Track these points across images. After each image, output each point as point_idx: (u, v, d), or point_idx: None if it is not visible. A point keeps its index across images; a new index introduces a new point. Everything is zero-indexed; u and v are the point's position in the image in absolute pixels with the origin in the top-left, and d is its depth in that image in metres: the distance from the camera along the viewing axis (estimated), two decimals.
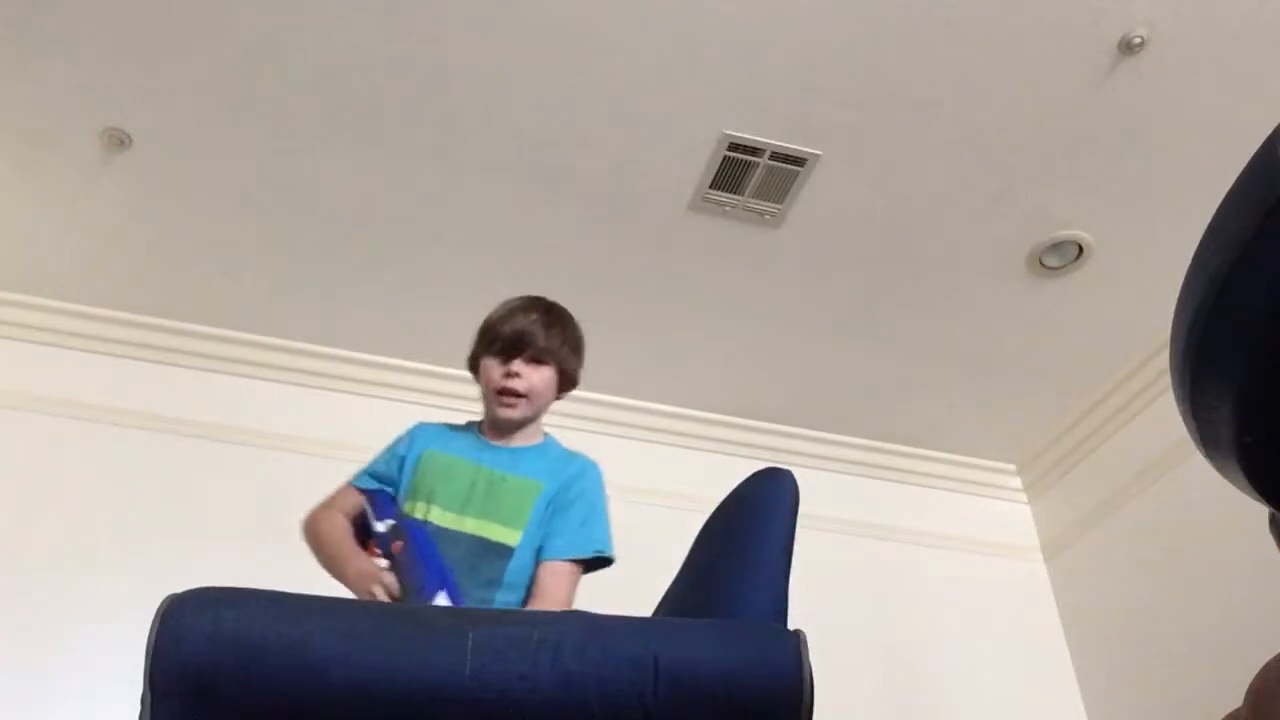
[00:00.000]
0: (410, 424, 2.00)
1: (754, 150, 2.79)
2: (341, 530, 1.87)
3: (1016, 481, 3.96)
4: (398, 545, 1.73)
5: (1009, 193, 2.91)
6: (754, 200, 2.93)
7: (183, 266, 3.19)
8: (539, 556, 1.80)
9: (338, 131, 2.80)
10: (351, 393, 3.45)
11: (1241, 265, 0.73)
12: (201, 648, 0.90)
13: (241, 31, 2.55)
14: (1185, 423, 0.85)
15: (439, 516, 1.79)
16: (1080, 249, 3.05)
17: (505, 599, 1.77)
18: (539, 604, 1.73)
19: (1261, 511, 0.94)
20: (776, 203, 2.93)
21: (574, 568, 1.81)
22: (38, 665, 2.70)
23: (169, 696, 0.89)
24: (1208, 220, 0.80)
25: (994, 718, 3.32)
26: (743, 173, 2.85)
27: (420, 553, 1.69)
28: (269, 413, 3.31)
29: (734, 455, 3.61)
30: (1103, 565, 3.54)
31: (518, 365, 1.91)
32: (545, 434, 2.02)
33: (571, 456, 1.99)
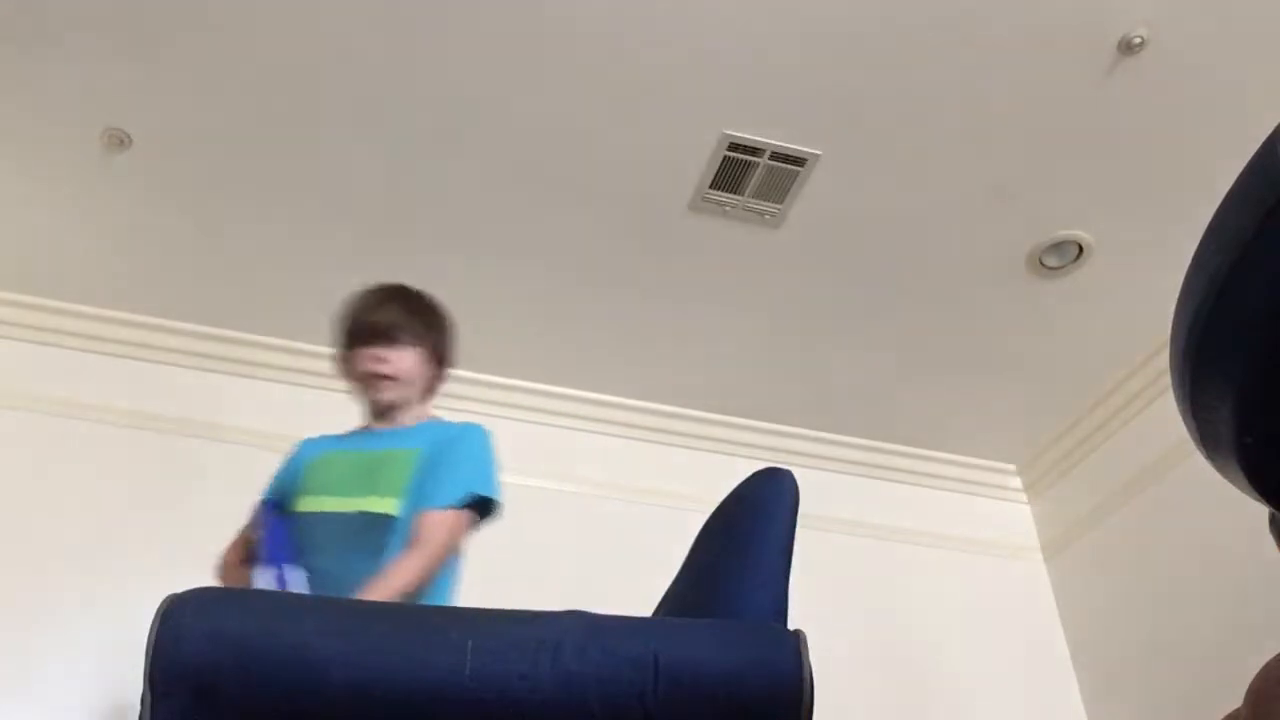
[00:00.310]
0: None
1: (754, 150, 2.79)
2: (228, 564, 2.00)
3: (1016, 481, 3.96)
4: (259, 535, 1.81)
5: (1009, 193, 2.90)
6: (754, 200, 2.93)
7: (183, 266, 3.19)
8: (416, 508, 1.82)
9: (338, 132, 2.80)
10: (352, 392, 3.44)
11: (1241, 265, 0.73)
12: (201, 648, 0.90)
13: (242, 32, 2.55)
14: (1185, 423, 0.85)
15: (325, 504, 1.84)
16: (1080, 249, 3.05)
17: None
18: (412, 550, 1.75)
19: (1261, 511, 0.94)
20: (776, 203, 2.93)
21: (447, 514, 1.81)
22: (38, 665, 2.70)
23: (169, 696, 0.89)
24: (1208, 220, 0.80)
25: (994, 717, 3.32)
26: (743, 173, 2.85)
27: (267, 536, 1.78)
28: (269, 413, 3.31)
29: (734, 455, 3.61)
30: (1103, 565, 3.54)
31: (378, 350, 1.95)
32: (433, 415, 2.04)
33: (457, 425, 2.00)
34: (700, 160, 2.83)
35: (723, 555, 1.30)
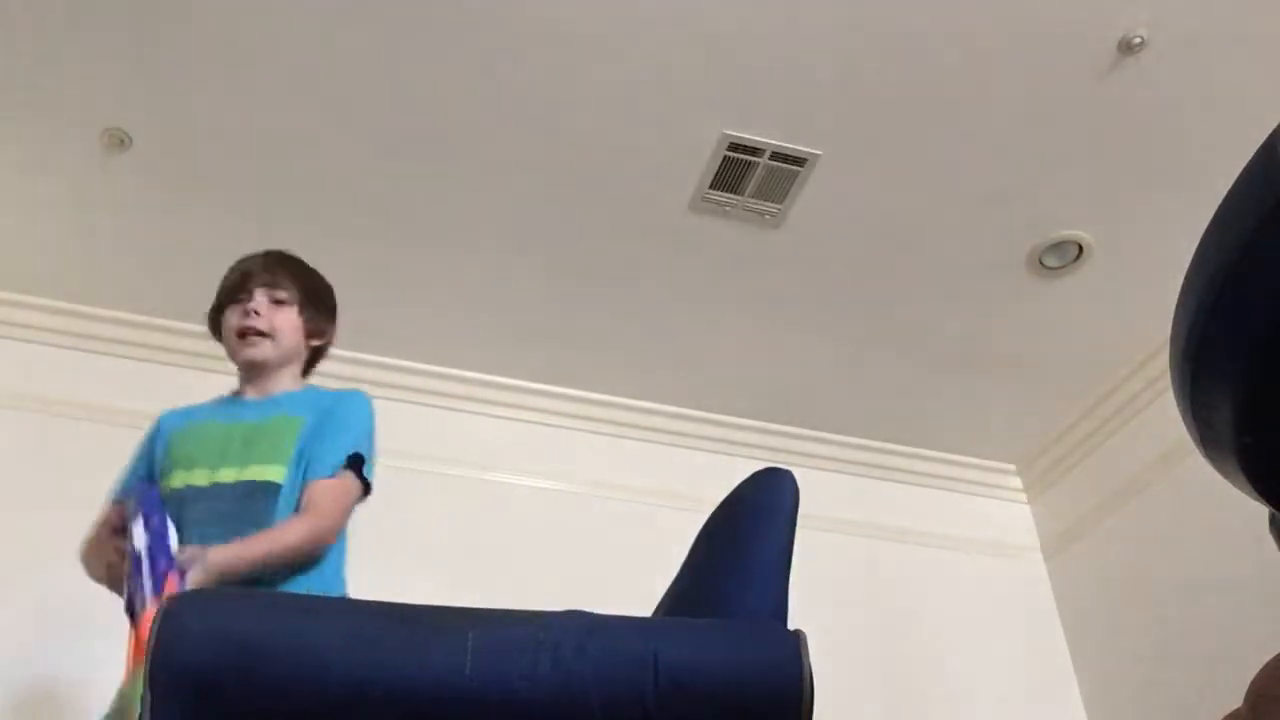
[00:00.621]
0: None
1: (754, 150, 2.79)
2: (91, 542, 1.84)
3: (1016, 481, 3.96)
4: (129, 507, 1.67)
5: (1009, 193, 2.91)
6: (754, 200, 2.93)
7: (183, 266, 3.18)
8: (306, 476, 1.75)
9: (338, 132, 2.80)
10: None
11: (1241, 265, 0.73)
12: (202, 649, 0.90)
13: (242, 32, 2.55)
14: (1185, 423, 0.85)
15: (198, 478, 1.74)
16: (1080, 249, 3.05)
17: None
18: (305, 517, 1.68)
19: (1261, 511, 0.94)
20: (776, 203, 2.93)
21: (336, 482, 1.75)
22: (38, 665, 2.70)
23: (169, 697, 0.89)
24: (1208, 220, 0.80)
25: (994, 717, 3.32)
26: (743, 173, 2.85)
27: (137, 498, 1.64)
28: None
29: (734, 455, 3.61)
30: (1103, 565, 3.54)
31: (255, 302, 1.88)
32: (308, 384, 1.96)
33: (335, 391, 1.92)
34: (700, 160, 2.83)
35: (722, 555, 1.30)
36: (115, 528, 1.68)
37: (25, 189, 2.95)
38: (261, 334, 1.86)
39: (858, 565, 3.55)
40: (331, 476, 1.75)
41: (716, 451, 3.64)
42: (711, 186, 2.89)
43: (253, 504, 1.70)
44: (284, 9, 2.50)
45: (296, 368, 1.96)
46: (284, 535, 1.67)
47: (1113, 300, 3.20)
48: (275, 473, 1.73)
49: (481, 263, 3.16)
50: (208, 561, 1.52)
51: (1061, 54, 2.55)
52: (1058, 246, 3.05)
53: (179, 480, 1.76)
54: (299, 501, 1.73)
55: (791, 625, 1.11)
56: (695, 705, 0.94)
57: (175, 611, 0.93)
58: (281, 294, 1.91)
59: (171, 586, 1.35)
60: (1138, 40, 2.49)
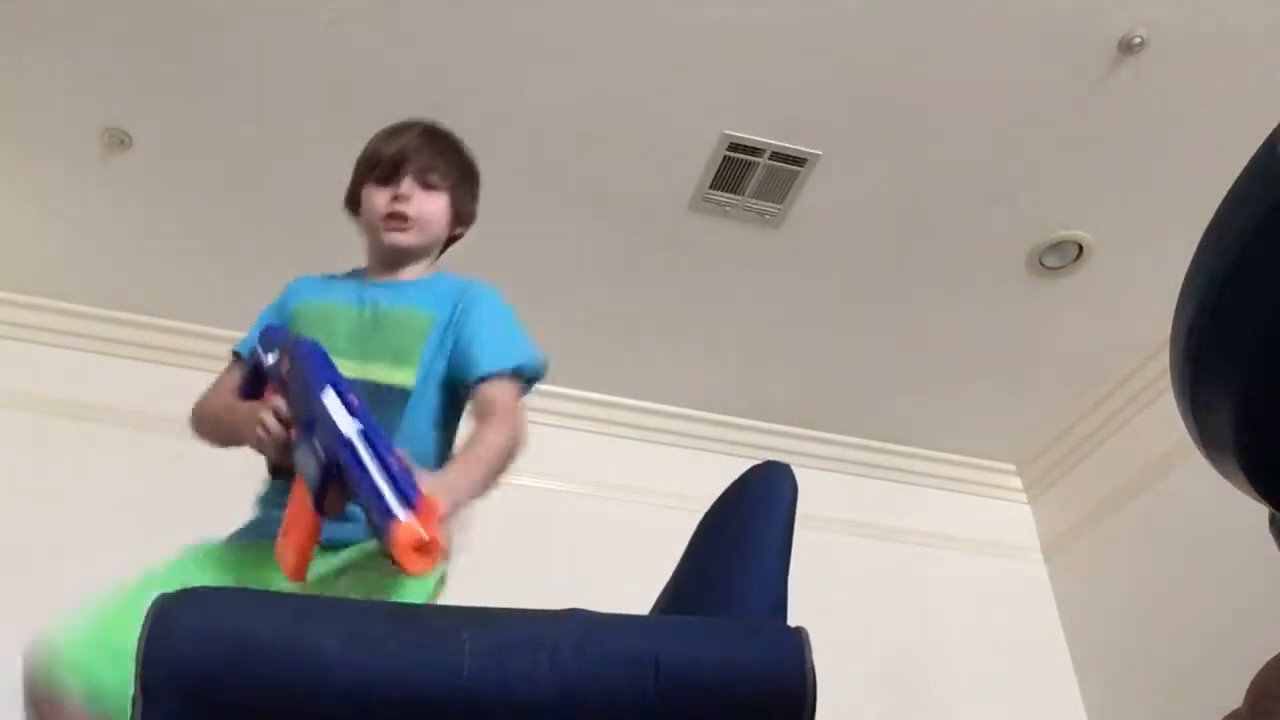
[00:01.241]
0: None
1: (754, 150, 2.79)
2: (222, 395, 1.65)
3: (1016, 481, 3.96)
4: (285, 366, 1.43)
5: (1009, 193, 2.91)
6: (754, 200, 2.93)
7: (183, 266, 3.19)
8: (466, 380, 1.58)
9: (338, 132, 2.79)
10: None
11: (1241, 265, 0.73)
12: (195, 646, 0.89)
13: (242, 32, 2.55)
14: (1185, 423, 0.85)
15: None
16: (1080, 249, 3.05)
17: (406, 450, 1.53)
18: (494, 422, 1.49)
19: (1261, 511, 0.94)
20: (776, 203, 2.93)
21: (515, 384, 1.60)
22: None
23: (161, 698, 0.87)
24: (1208, 220, 0.80)
25: (994, 717, 3.32)
26: (743, 173, 2.85)
27: (303, 359, 1.38)
28: None
29: (734, 455, 3.60)
30: (1103, 565, 3.54)
31: (406, 187, 1.72)
32: (437, 270, 1.80)
33: (464, 280, 1.78)
34: (700, 160, 2.83)
35: (721, 550, 1.29)
36: (268, 384, 1.45)
37: (25, 189, 2.95)
38: (408, 219, 1.72)
39: (858, 565, 3.55)
40: (506, 374, 1.59)
41: (716, 451, 3.63)
42: (711, 186, 2.89)
43: (380, 408, 1.48)
44: (285, 9, 2.50)
45: (433, 254, 1.83)
46: (495, 445, 1.46)
47: (1113, 300, 3.19)
48: (405, 377, 1.59)
49: (480, 262, 3.14)
50: (453, 497, 1.30)
51: (1061, 54, 2.55)
52: (1058, 246, 3.05)
53: None
54: (434, 417, 1.58)
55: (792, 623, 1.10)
56: (697, 704, 0.94)
57: (166, 610, 0.91)
58: (434, 178, 1.76)
59: (429, 511, 1.06)
60: (1138, 40, 2.49)
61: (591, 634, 0.96)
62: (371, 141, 1.82)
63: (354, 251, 3.28)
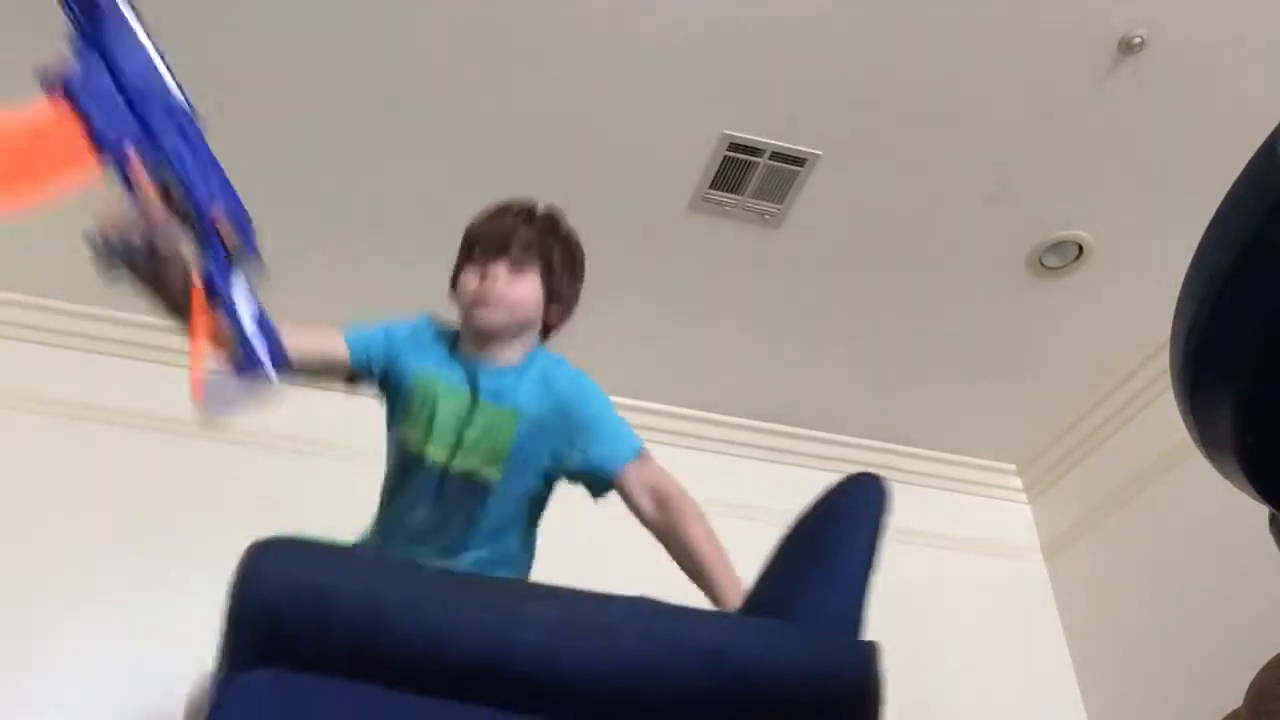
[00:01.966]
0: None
1: (754, 150, 2.79)
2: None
3: (1016, 481, 3.96)
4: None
5: (1009, 193, 2.91)
6: (754, 200, 2.93)
7: None
8: (604, 474, 1.71)
9: (337, 131, 2.80)
10: (353, 393, 3.44)
11: (1242, 265, 0.73)
12: (279, 592, 0.95)
13: (242, 30, 2.55)
14: (1185, 423, 0.85)
15: (437, 452, 1.66)
16: (1080, 249, 3.05)
17: (482, 549, 1.68)
18: (687, 509, 1.64)
19: (1261, 511, 0.94)
20: (776, 203, 2.93)
21: (647, 459, 1.74)
22: (38, 665, 2.70)
23: (245, 635, 0.94)
24: (1208, 220, 0.80)
25: (994, 717, 3.32)
26: (743, 173, 2.85)
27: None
28: (269, 413, 3.30)
29: (734, 455, 3.61)
30: (1103, 565, 3.54)
31: (495, 268, 1.72)
32: (530, 353, 1.81)
33: (555, 367, 1.81)
34: (700, 160, 2.83)
35: (801, 560, 1.28)
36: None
37: None
38: (494, 300, 1.71)
39: None
40: (638, 459, 1.72)
41: (716, 451, 3.63)
42: (711, 186, 2.89)
43: (468, 497, 1.64)
44: (286, 8, 2.50)
45: (529, 337, 1.81)
46: (710, 531, 1.65)
47: (1113, 300, 3.20)
48: (493, 471, 1.66)
49: None
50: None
51: (1061, 54, 2.55)
52: (1058, 246, 3.05)
53: (419, 444, 1.67)
54: (513, 514, 1.70)
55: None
56: (756, 703, 0.93)
57: (256, 557, 0.98)
58: (525, 260, 1.75)
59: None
60: (1138, 40, 2.49)
61: (657, 622, 0.97)
62: (472, 221, 1.86)
63: (351, 252, 3.29)
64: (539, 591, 1.02)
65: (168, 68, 1.03)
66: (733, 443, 3.67)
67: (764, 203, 2.93)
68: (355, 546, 1.74)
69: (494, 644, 0.92)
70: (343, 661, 0.92)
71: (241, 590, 0.96)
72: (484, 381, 1.71)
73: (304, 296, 3.29)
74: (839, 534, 1.21)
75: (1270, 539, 0.98)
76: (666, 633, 0.96)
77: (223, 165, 1.08)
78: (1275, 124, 0.74)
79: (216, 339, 1.14)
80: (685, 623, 0.99)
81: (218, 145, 1.24)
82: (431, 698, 0.90)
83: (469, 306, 1.73)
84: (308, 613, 0.94)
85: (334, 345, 1.73)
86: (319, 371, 1.73)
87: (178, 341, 3.68)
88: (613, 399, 3.81)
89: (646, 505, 1.69)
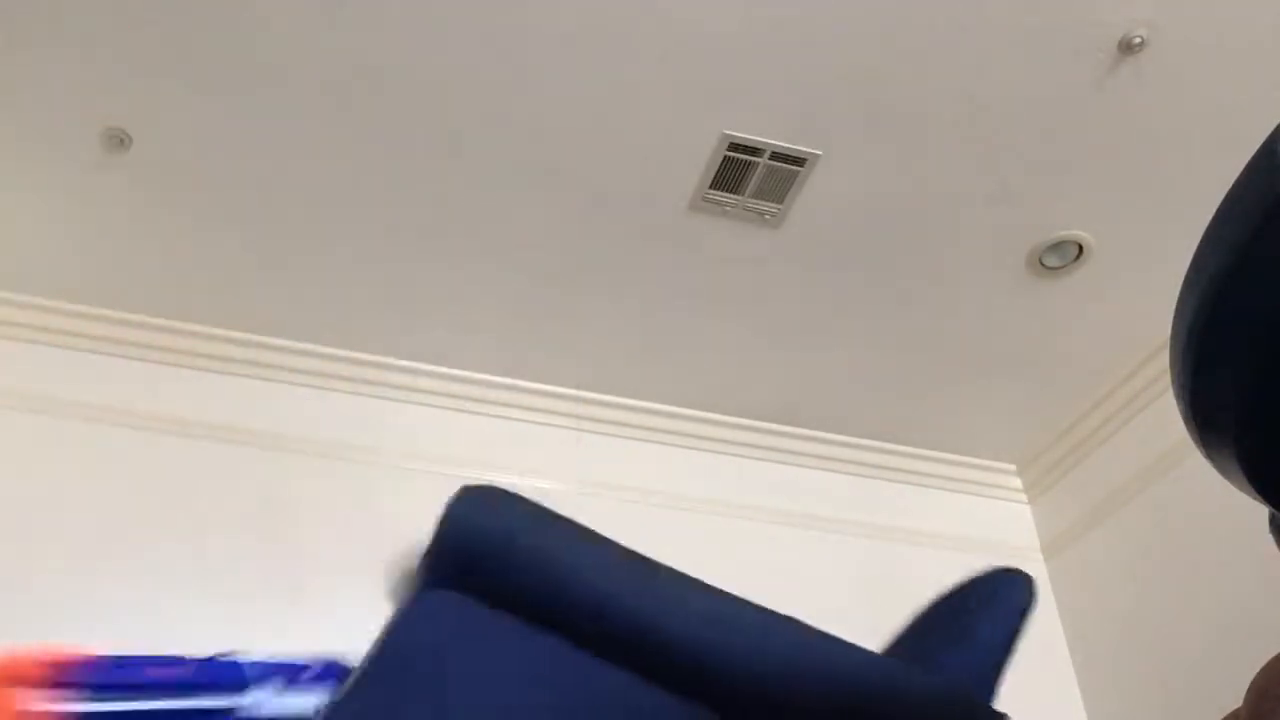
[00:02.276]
0: None
1: (754, 150, 2.79)
2: None
3: (1016, 481, 3.96)
4: None
5: (1009, 193, 2.91)
6: (754, 200, 2.93)
7: (183, 266, 3.19)
8: None
9: (338, 132, 2.80)
10: (352, 392, 3.45)
11: (1241, 265, 0.73)
12: (472, 529, 1.07)
13: (242, 32, 2.55)
14: (1185, 423, 0.85)
15: None
16: (1080, 249, 3.05)
17: None
18: None
19: (1261, 512, 0.94)
20: (776, 203, 2.94)
21: None
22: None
23: (439, 562, 1.06)
24: (1208, 220, 0.80)
25: None
26: (743, 173, 2.85)
27: None
28: (269, 413, 3.31)
29: (734, 455, 3.61)
30: (1103, 565, 3.54)
31: None
32: None
33: None
34: (700, 160, 2.83)
35: (941, 639, 1.29)
36: None
37: (25, 189, 2.95)
38: None
39: (858, 565, 3.55)
40: None
41: (716, 451, 3.64)
42: (711, 186, 2.89)
43: None
44: (285, 9, 2.50)
45: None
46: None
47: (1113, 300, 3.20)
48: None
49: (481, 263, 3.16)
50: None
51: (1061, 54, 2.55)
52: (1058, 246, 3.05)
53: None
54: None
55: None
56: None
57: (460, 500, 1.09)
58: None
59: None
60: (1138, 40, 2.49)
61: (807, 637, 1.01)
62: None
63: (352, 252, 3.29)
64: (703, 588, 1.09)
65: None
66: (733, 443, 3.67)
67: (764, 203, 2.93)
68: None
69: (657, 623, 1.00)
70: (516, 602, 1.03)
71: (442, 522, 1.08)
72: None
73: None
74: (984, 612, 1.23)
75: (1270, 539, 0.98)
76: (815, 648, 1.00)
77: None
78: (1275, 124, 0.74)
79: None
80: (833, 644, 1.05)
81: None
82: (584, 653, 0.99)
83: None
84: (493, 552, 1.06)
85: None
86: None
87: (177, 342, 3.70)
88: (613, 399, 3.80)
89: None
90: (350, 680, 1.01)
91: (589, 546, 1.10)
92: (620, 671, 0.98)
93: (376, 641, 1.04)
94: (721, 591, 1.08)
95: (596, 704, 0.98)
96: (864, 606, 3.49)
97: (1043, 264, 3.10)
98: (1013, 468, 3.96)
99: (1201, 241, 0.79)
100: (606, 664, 0.98)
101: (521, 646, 1.00)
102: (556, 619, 1.01)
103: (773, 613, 1.06)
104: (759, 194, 2.91)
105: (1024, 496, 3.95)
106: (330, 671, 1.63)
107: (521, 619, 1.01)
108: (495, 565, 1.05)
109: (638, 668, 0.97)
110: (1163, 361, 3.15)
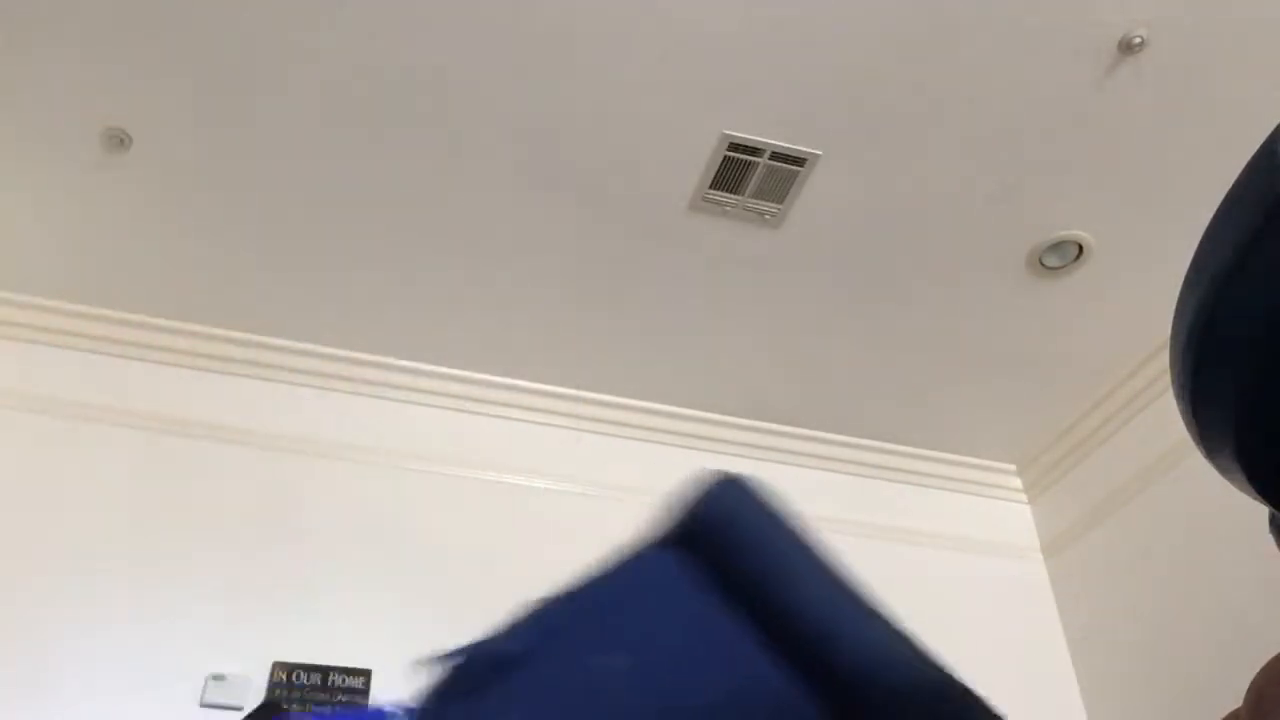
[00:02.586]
0: None
1: (754, 150, 2.79)
2: None
3: (1016, 481, 3.96)
4: None
5: (1009, 193, 2.91)
6: (754, 200, 2.93)
7: (182, 266, 3.19)
8: None
9: (338, 132, 2.80)
10: (351, 392, 3.45)
11: (1241, 265, 0.73)
12: (719, 507, 1.12)
13: (242, 32, 2.55)
14: (1185, 423, 0.85)
15: None
16: (1080, 249, 3.05)
17: None
18: None
19: (1261, 511, 0.94)
20: (776, 203, 2.94)
21: None
22: (38, 664, 2.70)
23: (673, 528, 1.10)
24: (1208, 220, 0.80)
25: None
26: (743, 173, 2.85)
27: None
28: (269, 413, 3.31)
29: (734, 455, 3.61)
30: (1103, 565, 3.54)
31: None
32: None
33: None
34: (700, 160, 2.83)
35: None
36: None
37: (25, 189, 2.95)
38: None
39: (858, 565, 3.54)
40: None
41: (716, 451, 3.64)
42: (711, 186, 2.89)
43: None
44: (285, 10, 2.50)
45: None
46: None
47: (1113, 300, 3.20)
48: None
49: (482, 264, 3.16)
50: None
51: (1061, 54, 2.55)
52: (1058, 246, 3.05)
53: None
54: None
55: None
56: None
57: (719, 481, 1.12)
58: None
59: None
60: (1138, 40, 2.49)
61: (939, 661, 1.06)
62: None
63: (353, 252, 3.29)
64: (883, 613, 1.13)
65: None
66: (733, 443, 3.67)
67: (764, 203, 2.93)
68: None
69: (830, 644, 1.02)
70: (726, 577, 1.06)
71: (691, 496, 1.12)
72: None
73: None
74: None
75: (1270, 539, 0.98)
76: (955, 676, 1.04)
77: None
78: (1275, 124, 0.74)
79: None
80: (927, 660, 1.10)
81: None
82: (764, 641, 1.03)
83: None
84: (716, 535, 1.11)
85: None
86: None
87: (177, 341, 3.69)
88: (613, 399, 3.80)
89: None
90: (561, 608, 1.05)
91: (800, 549, 1.14)
92: (790, 672, 1.00)
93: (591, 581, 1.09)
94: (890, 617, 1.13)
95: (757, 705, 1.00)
96: None
97: (1043, 264, 3.10)
98: (1013, 468, 3.96)
99: (1201, 241, 0.79)
100: (777, 660, 1.00)
101: (726, 626, 1.03)
102: (750, 603, 1.04)
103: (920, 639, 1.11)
104: (759, 194, 2.91)
105: (1024, 496, 3.95)
106: None
107: (727, 590, 1.06)
108: (716, 541, 1.10)
109: (809, 677, 1.00)
110: (1163, 361, 3.15)
